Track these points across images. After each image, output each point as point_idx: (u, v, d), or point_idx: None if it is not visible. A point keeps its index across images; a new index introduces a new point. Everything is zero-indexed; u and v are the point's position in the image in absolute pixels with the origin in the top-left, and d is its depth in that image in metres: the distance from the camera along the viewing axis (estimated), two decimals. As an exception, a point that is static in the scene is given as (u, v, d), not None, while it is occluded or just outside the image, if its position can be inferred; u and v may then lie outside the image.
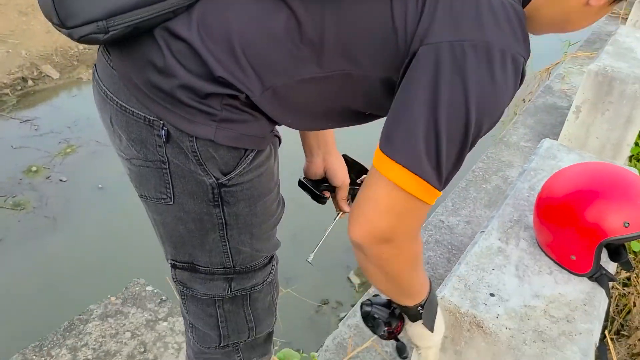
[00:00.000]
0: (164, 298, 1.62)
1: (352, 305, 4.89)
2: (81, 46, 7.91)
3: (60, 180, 5.61)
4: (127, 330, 1.52)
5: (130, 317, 1.56)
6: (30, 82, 6.94)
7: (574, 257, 1.24)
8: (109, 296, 1.59)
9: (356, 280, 4.79)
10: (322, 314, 4.49)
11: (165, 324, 1.55)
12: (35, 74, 7.02)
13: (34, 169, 5.65)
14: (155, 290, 1.64)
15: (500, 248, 1.28)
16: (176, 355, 1.44)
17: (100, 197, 5.47)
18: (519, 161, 3.58)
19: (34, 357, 1.39)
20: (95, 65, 1.00)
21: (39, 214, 5.11)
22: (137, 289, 1.66)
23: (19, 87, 6.81)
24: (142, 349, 1.45)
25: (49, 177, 5.55)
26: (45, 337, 1.40)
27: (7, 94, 6.67)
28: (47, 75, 7.06)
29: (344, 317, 4.37)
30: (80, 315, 1.52)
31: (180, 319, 1.54)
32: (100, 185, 5.60)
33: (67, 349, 1.44)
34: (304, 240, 5.14)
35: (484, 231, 1.34)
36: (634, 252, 2.83)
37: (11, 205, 5.19)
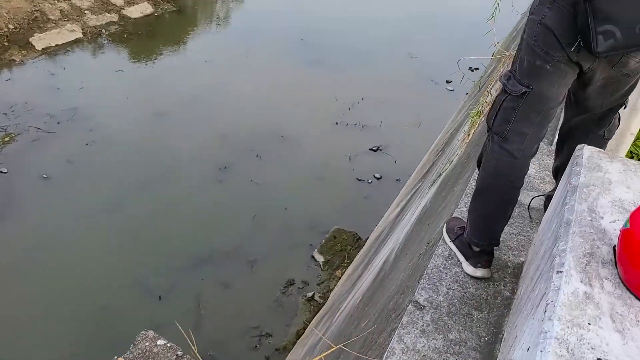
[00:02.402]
0: (179, 353, 1.39)
1: (319, 284, 4.72)
2: (11, 25, 7.09)
3: (1, 172, 5.13)
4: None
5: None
6: (-45, 64, 6.21)
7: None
8: (116, 357, 1.34)
9: (320, 259, 4.69)
10: (289, 294, 4.37)
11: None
12: (-40, 55, 6.29)
13: (-29, 162, 5.08)
14: (169, 344, 1.40)
15: (587, 293, 1.13)
16: None
17: (46, 187, 5.04)
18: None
19: None
20: None
21: (-19, 209, 4.64)
22: (147, 343, 1.42)
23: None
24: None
25: (-13, 169, 5.03)
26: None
27: None
28: (-25, 57, 6.33)
29: (309, 296, 4.20)
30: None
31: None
32: (45, 175, 5.16)
33: None
34: (265, 221, 4.92)
35: (561, 271, 1.18)
36: None
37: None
